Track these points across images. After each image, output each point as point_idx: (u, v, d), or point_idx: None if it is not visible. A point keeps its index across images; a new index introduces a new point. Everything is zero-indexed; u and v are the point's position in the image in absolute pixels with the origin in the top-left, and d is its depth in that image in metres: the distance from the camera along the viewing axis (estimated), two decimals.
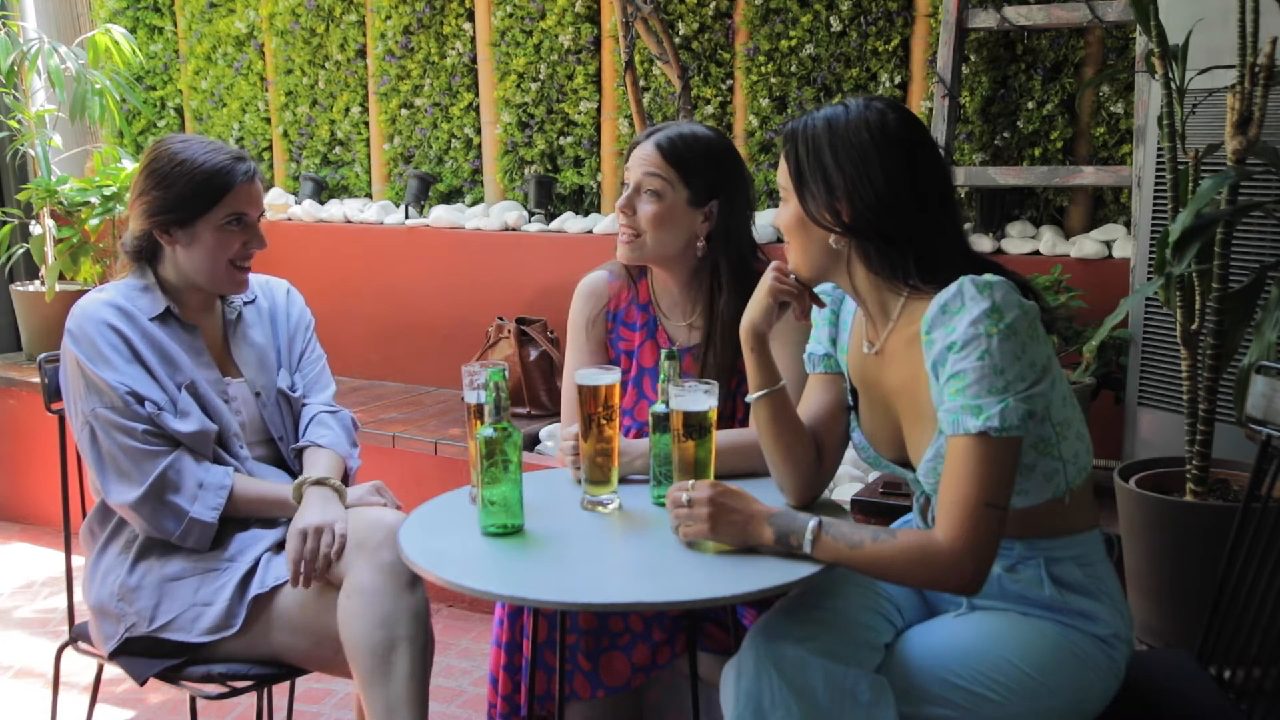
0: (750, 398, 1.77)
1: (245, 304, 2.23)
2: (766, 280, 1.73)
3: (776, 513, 1.60)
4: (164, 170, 2.04)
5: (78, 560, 2.18)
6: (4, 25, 4.41)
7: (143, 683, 1.98)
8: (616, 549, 1.74)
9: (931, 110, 3.40)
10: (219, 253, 2.07)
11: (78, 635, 2.14)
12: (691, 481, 1.67)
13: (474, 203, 4.45)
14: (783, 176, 1.69)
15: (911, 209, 1.60)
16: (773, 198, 3.84)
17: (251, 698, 2.02)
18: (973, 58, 3.46)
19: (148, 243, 2.10)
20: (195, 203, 2.04)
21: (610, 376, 1.80)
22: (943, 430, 1.54)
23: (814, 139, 1.63)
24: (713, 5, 3.84)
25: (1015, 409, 1.49)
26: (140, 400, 2.00)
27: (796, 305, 1.74)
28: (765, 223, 3.68)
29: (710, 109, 3.90)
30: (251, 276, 2.25)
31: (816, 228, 1.65)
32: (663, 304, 2.21)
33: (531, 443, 3.64)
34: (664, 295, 2.20)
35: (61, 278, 4.32)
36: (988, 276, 1.53)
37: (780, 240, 3.67)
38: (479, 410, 1.80)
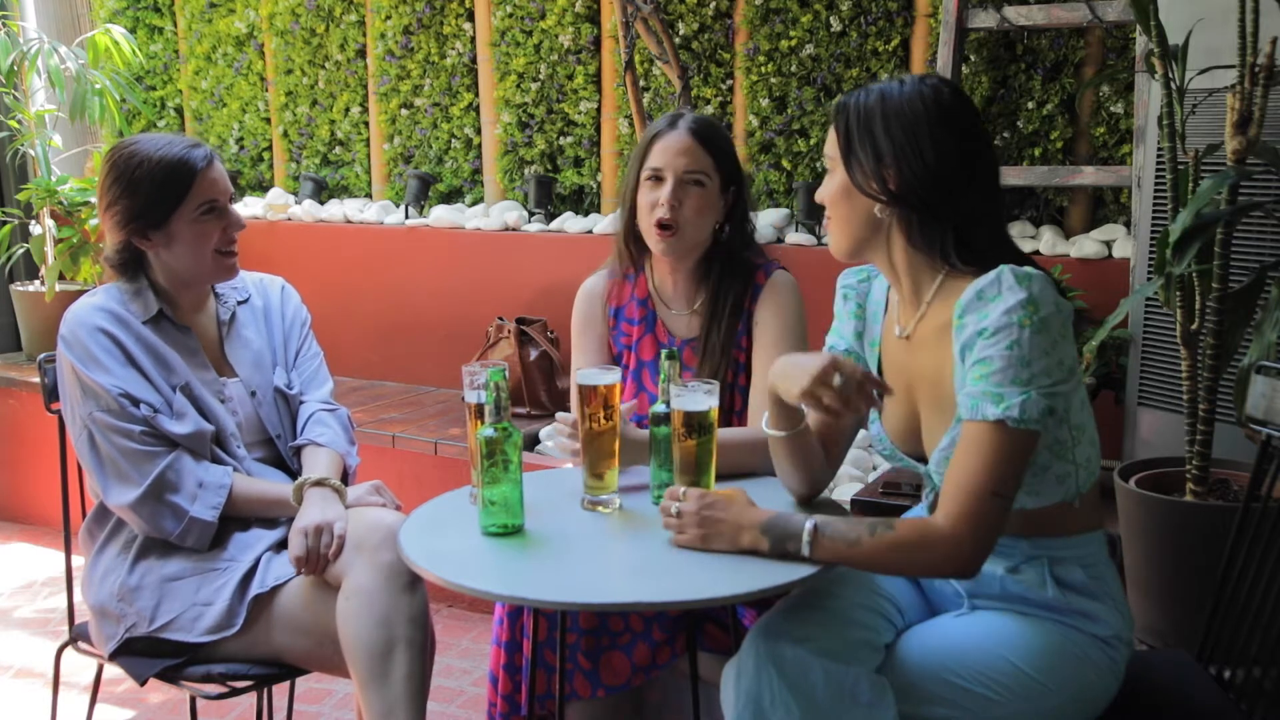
0: (769, 432, 1.76)
1: (239, 303, 2.22)
2: (813, 370, 1.60)
3: (768, 520, 1.59)
4: (125, 177, 2.03)
5: (78, 560, 2.18)
6: (4, 25, 4.41)
7: (143, 683, 1.98)
8: (616, 549, 1.74)
9: None
10: (201, 244, 2.06)
11: (78, 635, 2.14)
12: (683, 490, 1.66)
13: (474, 203, 4.45)
14: (830, 147, 1.69)
15: (958, 184, 1.60)
16: (772, 198, 3.85)
17: (251, 698, 2.02)
18: (973, 58, 3.46)
19: (130, 253, 2.09)
20: (164, 201, 2.03)
21: (610, 376, 1.81)
22: (960, 415, 1.54)
23: (866, 109, 1.63)
24: (713, 5, 3.84)
25: (1036, 403, 1.49)
26: (135, 402, 2.00)
27: (842, 408, 1.59)
28: (766, 223, 3.68)
29: (710, 109, 3.90)
30: (246, 275, 2.24)
31: (861, 197, 1.64)
32: (664, 295, 2.21)
33: (531, 443, 3.64)
34: (665, 287, 2.21)
35: (61, 278, 4.32)
36: (1028, 269, 1.53)
37: (780, 240, 3.68)
38: (479, 410, 1.80)
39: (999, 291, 1.51)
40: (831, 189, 1.69)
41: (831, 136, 1.68)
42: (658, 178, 2.10)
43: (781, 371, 1.67)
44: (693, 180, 2.08)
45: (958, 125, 1.61)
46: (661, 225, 2.08)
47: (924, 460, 1.71)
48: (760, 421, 2.04)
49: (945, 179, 1.60)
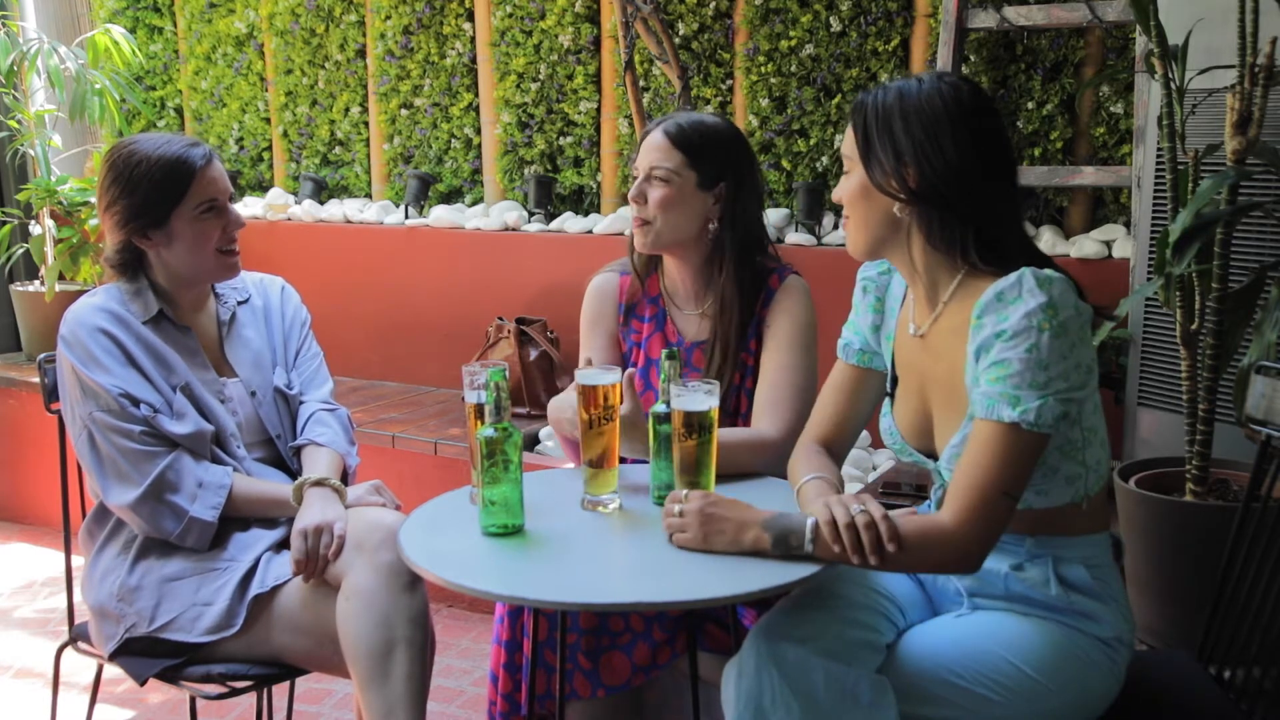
0: (804, 479, 1.74)
1: (239, 303, 2.22)
2: (846, 500, 1.55)
3: (771, 517, 1.59)
4: (124, 176, 2.02)
5: (78, 560, 2.18)
6: (4, 25, 4.41)
7: (143, 683, 1.98)
8: (616, 549, 1.74)
9: None
10: (202, 243, 2.06)
11: (78, 635, 2.14)
12: (685, 492, 1.67)
13: (474, 203, 4.45)
14: (848, 146, 1.67)
15: (978, 182, 1.60)
16: (772, 198, 3.84)
17: (251, 698, 2.02)
18: (973, 58, 3.46)
19: (130, 253, 2.09)
20: (163, 199, 2.03)
21: (610, 377, 1.81)
22: (974, 413, 1.54)
23: (884, 108, 1.62)
24: (713, 5, 3.84)
25: (1052, 408, 1.49)
26: (135, 402, 1.99)
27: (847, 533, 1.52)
28: (770, 222, 3.68)
29: (710, 109, 3.90)
30: (246, 275, 2.24)
31: (880, 196, 1.64)
32: (675, 296, 2.22)
33: (531, 443, 3.64)
34: (676, 287, 2.22)
35: (61, 278, 4.32)
36: (1048, 272, 1.53)
37: (780, 240, 3.68)
38: (479, 410, 1.80)
39: (1019, 294, 1.51)
40: (850, 188, 1.67)
41: (849, 135, 1.67)
42: (635, 176, 2.14)
43: (833, 500, 1.59)
44: (658, 176, 2.10)
45: (978, 123, 1.61)
46: (634, 221, 2.13)
47: (933, 456, 1.71)
48: (764, 423, 2.04)
49: (966, 177, 1.59)
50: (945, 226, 1.61)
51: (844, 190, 1.69)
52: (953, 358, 1.62)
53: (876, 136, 1.62)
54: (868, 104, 1.64)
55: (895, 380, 1.78)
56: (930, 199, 1.60)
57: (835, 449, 1.84)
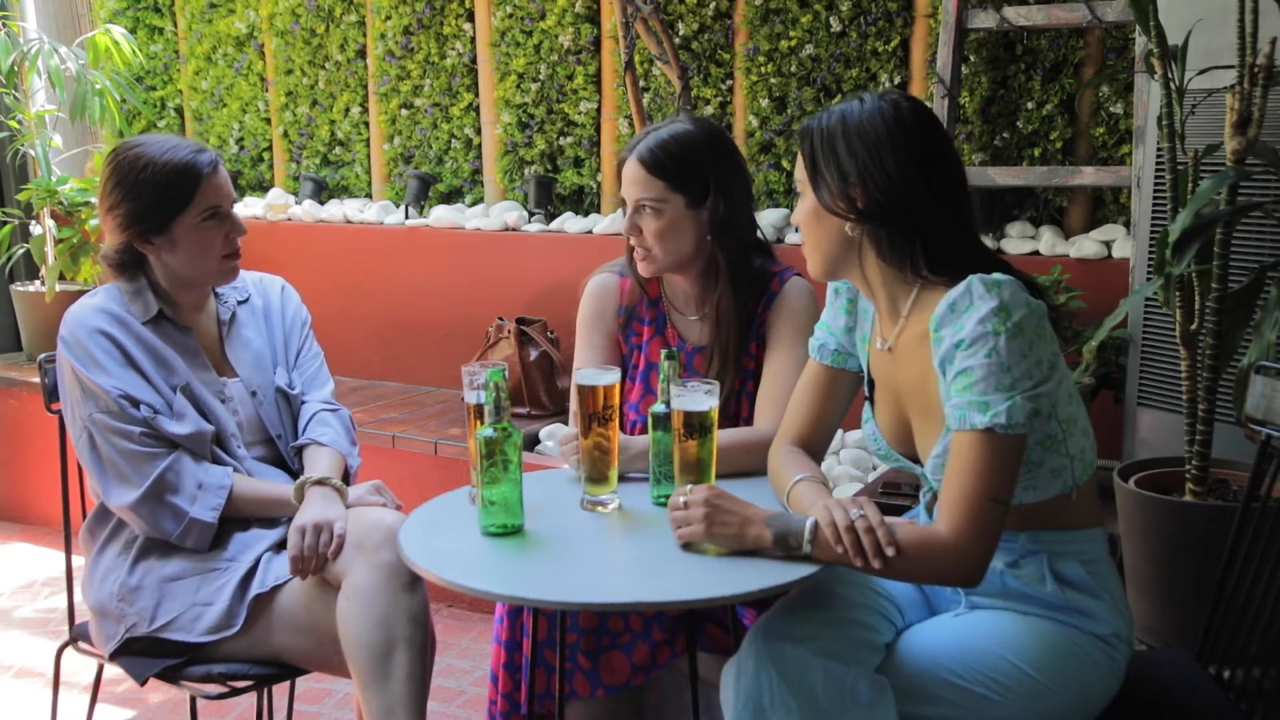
0: (794, 480, 1.74)
1: (239, 303, 2.22)
2: (845, 500, 1.59)
3: (774, 514, 1.60)
4: (129, 180, 2.02)
5: (78, 560, 2.18)
6: (4, 25, 4.41)
7: (143, 683, 1.99)
8: (616, 549, 1.74)
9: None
10: (205, 250, 2.06)
11: (78, 635, 2.14)
12: (690, 486, 1.67)
13: (474, 203, 4.45)
14: (798, 171, 1.71)
15: (923, 196, 1.62)
16: (772, 198, 3.85)
17: (251, 698, 2.03)
18: (972, 58, 3.46)
19: (129, 254, 2.09)
20: (167, 207, 2.02)
21: (610, 377, 1.81)
22: (949, 426, 1.55)
23: (828, 131, 1.66)
24: (713, 5, 3.84)
25: (1022, 407, 1.49)
26: (135, 404, 2.00)
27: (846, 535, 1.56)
28: (766, 223, 3.68)
29: (710, 109, 3.90)
30: (246, 274, 2.24)
31: (831, 217, 1.66)
32: (675, 300, 2.22)
33: (531, 443, 3.64)
34: (676, 292, 2.21)
35: (61, 278, 4.32)
36: (996, 275, 1.54)
37: (780, 240, 3.68)
38: (479, 410, 1.80)
39: (971, 302, 1.52)
40: (803, 211, 1.71)
41: (799, 160, 1.71)
42: (625, 204, 2.12)
43: (833, 502, 1.61)
44: (646, 207, 2.08)
45: (919, 139, 1.63)
46: (636, 251, 2.11)
47: (917, 460, 1.72)
48: (765, 422, 2.04)
49: (909, 193, 1.61)
50: (894, 243, 1.64)
51: (798, 214, 1.73)
52: (922, 367, 1.64)
53: (822, 159, 1.66)
54: (813, 128, 1.68)
55: (873, 386, 1.79)
56: (877, 217, 1.63)
57: (812, 450, 1.84)
